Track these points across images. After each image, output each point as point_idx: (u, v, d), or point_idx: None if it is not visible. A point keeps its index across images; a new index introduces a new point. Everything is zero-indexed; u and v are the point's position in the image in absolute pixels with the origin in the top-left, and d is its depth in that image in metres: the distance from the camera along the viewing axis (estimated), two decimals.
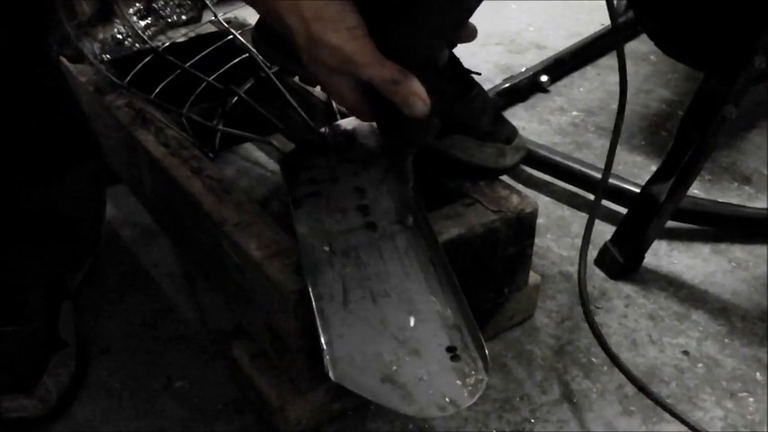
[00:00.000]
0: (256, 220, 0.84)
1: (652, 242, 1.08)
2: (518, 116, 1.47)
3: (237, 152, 1.30)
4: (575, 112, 1.49)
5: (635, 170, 1.31)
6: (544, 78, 1.54)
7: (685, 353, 0.97)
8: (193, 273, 1.07)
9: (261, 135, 1.05)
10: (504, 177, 0.95)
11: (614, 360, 0.89)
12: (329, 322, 0.73)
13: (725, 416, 0.88)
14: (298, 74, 0.94)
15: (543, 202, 1.23)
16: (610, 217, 1.18)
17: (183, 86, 1.08)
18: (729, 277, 1.09)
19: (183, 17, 1.25)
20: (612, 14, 0.88)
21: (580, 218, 1.20)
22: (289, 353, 0.80)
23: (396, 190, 0.85)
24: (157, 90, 1.06)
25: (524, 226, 0.90)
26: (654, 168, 1.07)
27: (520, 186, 1.24)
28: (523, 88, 1.52)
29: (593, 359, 0.95)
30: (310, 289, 0.74)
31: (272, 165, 1.27)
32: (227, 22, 1.21)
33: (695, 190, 1.24)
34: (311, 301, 0.73)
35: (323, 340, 0.71)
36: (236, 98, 1.11)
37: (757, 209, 1.17)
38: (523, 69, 1.56)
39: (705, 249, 1.14)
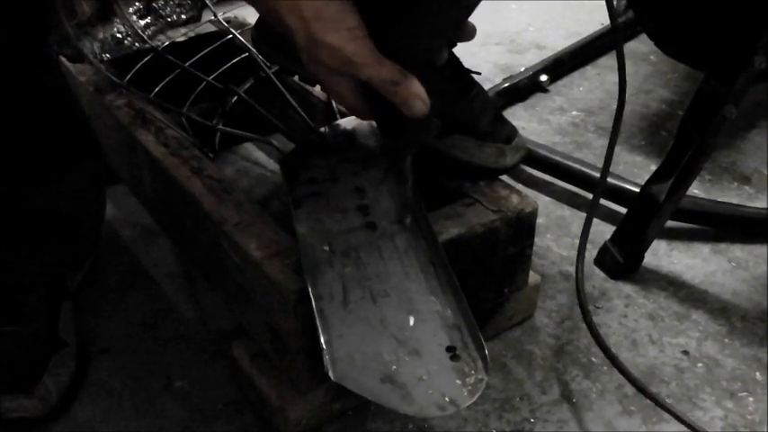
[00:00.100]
0: (256, 220, 0.84)
1: (652, 242, 1.08)
2: (518, 116, 1.47)
3: (237, 152, 1.30)
4: (574, 112, 1.49)
5: (635, 170, 1.31)
6: (544, 78, 1.54)
7: (685, 353, 0.97)
8: (193, 273, 1.07)
9: (261, 135, 1.05)
10: (504, 177, 0.95)
11: (613, 360, 0.89)
12: (329, 322, 0.73)
13: (725, 416, 0.88)
14: (298, 73, 0.94)
15: (543, 201, 1.23)
16: (609, 217, 1.18)
17: (182, 86, 1.08)
18: (729, 277, 1.09)
19: (183, 16, 1.25)
20: (612, 14, 0.88)
21: (580, 218, 1.20)
22: (289, 353, 0.80)
23: (396, 190, 0.85)
24: (157, 90, 1.06)
25: (524, 226, 0.90)
26: (654, 168, 1.07)
27: (520, 186, 1.24)
28: (523, 88, 1.52)
29: (593, 359, 0.95)
30: (310, 289, 0.74)
31: (272, 165, 1.27)
32: (227, 22, 1.21)
33: (695, 190, 1.24)
34: (311, 301, 0.73)
35: (323, 340, 0.71)
36: (235, 98, 1.11)
37: (757, 209, 1.17)
38: (523, 69, 1.56)
39: (705, 249, 1.14)
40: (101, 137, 1.05)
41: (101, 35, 1.15)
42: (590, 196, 1.21)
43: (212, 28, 1.23)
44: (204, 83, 1.10)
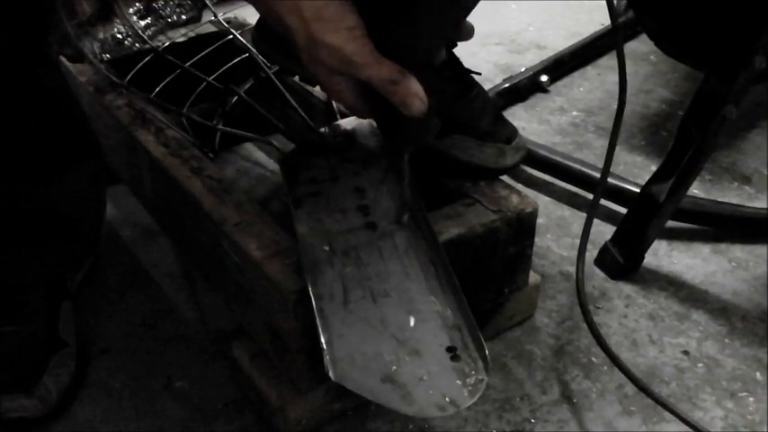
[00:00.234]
0: (256, 220, 0.84)
1: (652, 242, 1.08)
2: (518, 116, 1.47)
3: (237, 152, 1.30)
4: (575, 112, 1.49)
5: (635, 170, 1.31)
6: (544, 78, 1.54)
7: (685, 353, 0.97)
8: (193, 273, 1.07)
9: (261, 135, 1.05)
10: (504, 177, 0.95)
11: (614, 360, 0.89)
12: (329, 322, 0.73)
13: (725, 416, 0.88)
14: (298, 74, 0.94)
15: (543, 201, 1.23)
16: (610, 217, 1.18)
17: (182, 86, 1.08)
18: (729, 277, 1.09)
19: (183, 17, 1.25)
20: (612, 14, 0.88)
21: (580, 218, 1.20)
22: (289, 353, 0.80)
23: (396, 190, 0.85)
24: (157, 90, 1.06)
25: (524, 226, 0.90)
26: (654, 168, 1.07)
27: (520, 186, 1.24)
28: (523, 88, 1.52)
29: (594, 359, 0.95)
30: (310, 289, 0.74)
31: (272, 165, 1.27)
32: (227, 22, 1.21)
33: (695, 190, 1.24)
34: (311, 301, 0.73)
35: (323, 340, 0.71)
36: (236, 98, 1.11)
37: (757, 209, 1.17)
38: (523, 69, 1.56)
39: (705, 249, 1.14)
40: (101, 137, 1.05)
41: (101, 35, 1.15)
42: (590, 196, 1.21)
43: (212, 28, 1.23)
44: (204, 83, 1.10)
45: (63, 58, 1.14)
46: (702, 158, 1.01)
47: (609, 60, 1.65)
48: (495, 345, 0.97)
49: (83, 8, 1.14)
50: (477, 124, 0.90)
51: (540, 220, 1.09)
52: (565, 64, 1.61)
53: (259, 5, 0.73)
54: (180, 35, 1.20)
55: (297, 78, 1.08)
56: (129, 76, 1.08)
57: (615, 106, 0.94)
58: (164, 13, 1.23)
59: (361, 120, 0.94)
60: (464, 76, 0.91)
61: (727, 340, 0.98)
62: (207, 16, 1.26)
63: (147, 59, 1.12)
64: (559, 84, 1.58)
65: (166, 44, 1.16)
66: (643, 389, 0.86)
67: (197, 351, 0.96)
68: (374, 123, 0.89)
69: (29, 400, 0.84)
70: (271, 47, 0.91)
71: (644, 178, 1.08)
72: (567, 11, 1.90)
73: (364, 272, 0.77)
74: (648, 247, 1.08)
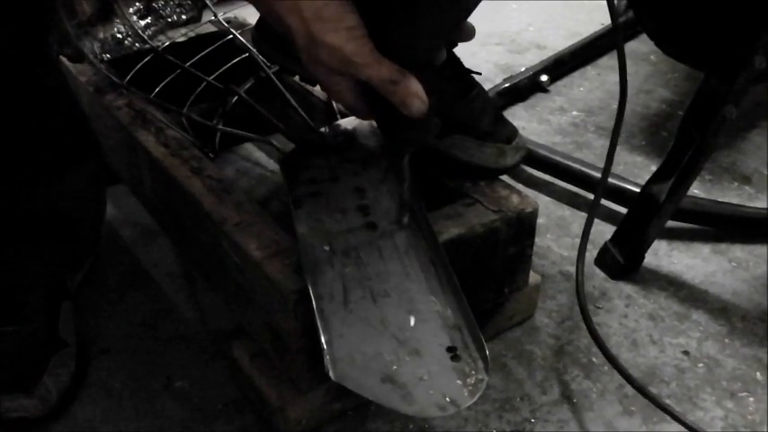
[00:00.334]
0: (256, 220, 0.84)
1: (652, 242, 1.08)
2: (518, 116, 1.47)
3: (238, 152, 1.30)
4: (575, 112, 1.49)
5: (635, 170, 1.31)
6: (544, 78, 1.54)
7: (686, 353, 0.97)
8: (193, 273, 1.07)
9: (261, 135, 1.05)
10: (505, 177, 0.95)
11: (612, 361, 0.89)
12: (329, 322, 0.73)
13: (725, 416, 0.88)
14: (298, 73, 0.94)
15: (543, 201, 1.23)
16: (610, 217, 1.18)
17: (183, 86, 1.08)
18: (730, 277, 1.09)
19: (183, 17, 1.25)
20: (613, 14, 0.88)
21: (580, 218, 1.20)
22: (289, 353, 0.80)
23: (396, 190, 0.85)
24: (157, 90, 1.06)
25: (524, 226, 0.90)
26: (654, 168, 1.07)
27: (520, 186, 1.24)
28: (523, 88, 1.52)
29: (594, 359, 0.95)
30: (310, 289, 0.74)
31: (273, 165, 1.27)
32: (227, 22, 1.21)
33: (695, 190, 1.24)
34: (311, 301, 0.73)
35: (323, 340, 0.71)
36: (236, 98, 1.11)
37: (757, 209, 1.17)
38: (523, 69, 1.56)
39: (705, 249, 1.14)
40: (101, 137, 1.05)
41: (101, 35, 1.15)
42: (590, 196, 1.21)
43: (212, 28, 1.23)
44: (204, 83, 1.10)
45: (63, 58, 1.14)
46: (702, 158, 1.01)
47: (609, 60, 1.65)
48: (496, 345, 0.97)
49: (83, 8, 1.14)
50: (478, 124, 0.90)
51: (540, 220, 1.09)
52: (565, 64, 1.61)
53: (259, 5, 0.72)
54: (180, 35, 1.20)
55: (297, 78, 1.08)
56: (129, 76, 1.08)
57: (615, 106, 0.94)
58: (164, 13, 1.23)
59: (361, 120, 0.94)
60: (464, 76, 0.91)
61: (727, 340, 0.98)
62: (207, 16, 1.26)
63: (147, 59, 1.12)
64: (559, 84, 1.58)
65: (166, 44, 1.16)
66: (641, 390, 0.86)
67: (197, 351, 0.96)
68: (374, 123, 0.89)
69: (29, 400, 0.84)
70: (271, 47, 0.91)
71: (644, 178, 1.08)
72: (567, 11, 1.90)
73: (364, 272, 0.77)
74: (648, 247, 1.08)
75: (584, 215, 1.19)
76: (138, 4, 1.20)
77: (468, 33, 0.85)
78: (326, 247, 0.79)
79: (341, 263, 0.78)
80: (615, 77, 0.92)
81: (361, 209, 0.84)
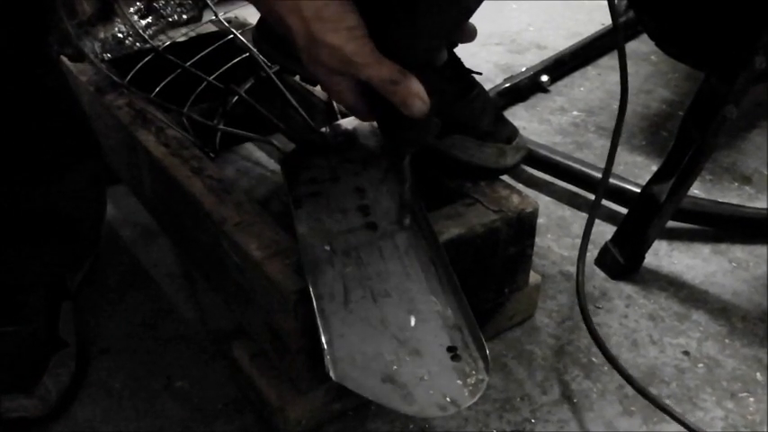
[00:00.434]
0: (256, 220, 0.84)
1: (652, 242, 1.08)
2: (518, 116, 1.47)
3: (238, 152, 1.30)
4: (575, 112, 1.49)
5: (635, 170, 1.31)
6: (544, 78, 1.54)
7: (686, 353, 0.97)
8: (193, 273, 1.07)
9: (261, 135, 1.05)
10: (505, 177, 0.95)
11: (612, 361, 0.89)
12: (330, 322, 0.73)
13: (725, 416, 0.88)
14: (298, 73, 0.94)
15: (544, 201, 1.23)
16: (610, 217, 1.18)
17: (183, 86, 1.08)
18: (730, 277, 1.08)
19: (184, 16, 1.25)
20: (613, 14, 0.88)
21: (581, 218, 1.20)
22: (289, 353, 0.80)
23: (396, 190, 0.85)
24: (158, 89, 1.06)
25: (525, 226, 0.90)
26: (654, 168, 1.07)
27: (520, 186, 1.24)
28: (524, 88, 1.52)
29: (594, 359, 0.95)
30: (311, 289, 0.74)
31: (273, 165, 1.27)
32: (228, 22, 1.21)
33: (696, 190, 1.24)
34: (311, 301, 0.73)
35: (323, 340, 0.71)
36: (236, 98, 1.11)
37: (757, 209, 1.17)
38: (524, 69, 1.56)
39: (705, 249, 1.14)
40: (101, 137, 1.05)
41: (101, 35, 1.15)
42: (590, 196, 1.21)
43: (213, 28, 1.23)
44: (205, 83, 1.10)
45: (63, 58, 1.14)
46: (703, 158, 1.01)
47: (609, 60, 1.65)
48: (496, 345, 0.97)
49: (83, 8, 1.14)
50: (478, 124, 0.90)
51: (540, 220, 1.09)
52: (565, 64, 1.61)
53: (260, 5, 0.72)
54: (180, 35, 1.20)
55: (297, 78, 1.08)
56: (129, 76, 1.08)
57: (616, 106, 0.94)
58: (164, 13, 1.23)
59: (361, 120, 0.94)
60: (464, 76, 0.91)
61: (727, 340, 0.98)
62: (207, 16, 1.26)
63: (147, 59, 1.12)
64: (560, 84, 1.58)
65: (167, 44, 1.16)
66: (641, 390, 0.86)
67: (197, 351, 0.96)
68: (374, 123, 0.89)
69: (29, 400, 0.84)
70: (271, 46, 0.91)
71: (644, 178, 1.08)
72: (568, 11, 1.90)
73: (365, 272, 0.77)
74: (649, 248, 1.08)
75: (584, 215, 1.19)
76: (138, 3, 1.20)
77: (469, 34, 0.85)
78: (327, 247, 0.79)
79: (341, 263, 0.78)
80: (616, 77, 0.92)
81: (361, 209, 0.84)
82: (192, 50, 1.14)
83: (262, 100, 1.07)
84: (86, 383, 0.91)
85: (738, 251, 1.13)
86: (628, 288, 1.06)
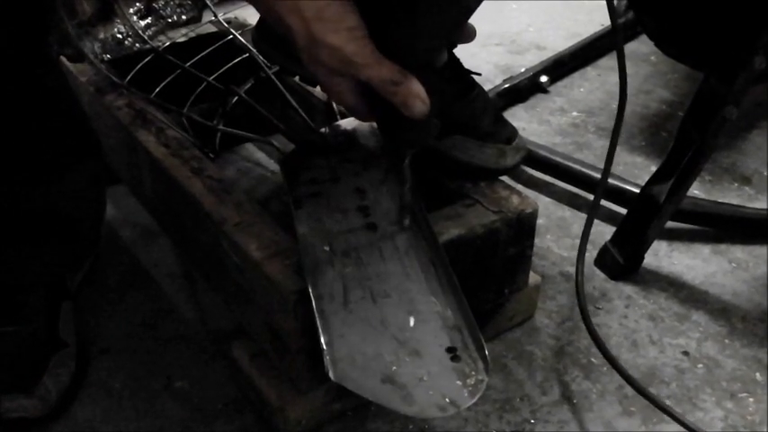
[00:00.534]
0: (256, 221, 0.84)
1: (652, 243, 1.08)
2: (518, 117, 1.47)
3: (238, 152, 1.30)
4: (575, 113, 1.49)
5: (635, 171, 1.31)
6: (544, 79, 1.54)
7: (685, 353, 0.97)
8: (193, 273, 1.07)
9: (261, 135, 1.05)
10: (505, 178, 0.96)
11: (612, 362, 0.89)
12: (329, 322, 0.73)
13: (725, 416, 0.88)
14: (298, 74, 0.94)
15: (543, 202, 1.23)
16: (610, 217, 1.18)
17: (183, 86, 1.08)
18: (730, 278, 1.09)
19: (184, 17, 1.25)
20: (612, 15, 0.88)
21: (580, 218, 1.20)
22: (289, 353, 0.80)
23: (396, 191, 0.85)
24: (158, 90, 1.06)
25: (524, 226, 0.90)
26: (654, 169, 1.07)
27: (520, 187, 1.23)
28: (523, 89, 1.52)
29: (594, 360, 0.95)
30: (310, 289, 0.74)
31: (273, 165, 1.27)
32: (228, 22, 1.21)
33: (695, 190, 1.24)
34: (311, 302, 0.73)
35: (323, 340, 0.71)
36: (236, 98, 1.11)
37: (757, 209, 1.17)
38: (523, 70, 1.56)
39: (705, 250, 1.14)
40: (101, 137, 1.05)
41: (101, 35, 1.15)
42: (590, 197, 1.21)
43: (213, 28, 1.23)
44: (205, 83, 1.10)
45: (63, 58, 1.14)
46: (702, 159, 1.01)
47: (609, 61, 1.65)
48: (496, 345, 0.97)
49: (83, 8, 1.14)
50: (478, 125, 0.90)
51: (540, 221, 1.09)
52: (565, 64, 1.61)
53: (259, 5, 0.72)
54: (180, 35, 1.20)
55: (297, 79, 1.08)
56: (129, 77, 1.08)
57: (615, 107, 0.94)
58: (164, 13, 1.23)
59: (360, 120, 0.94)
60: (464, 77, 0.91)
61: (727, 341, 0.98)
62: (207, 16, 1.26)
63: (147, 59, 1.12)
64: (559, 84, 1.58)
65: (167, 44, 1.16)
66: (641, 390, 0.86)
67: (197, 351, 0.96)
68: (374, 124, 0.89)
69: (29, 400, 0.84)
70: (271, 47, 0.91)
71: (644, 179, 1.08)
72: (567, 11, 1.90)
73: (364, 272, 0.77)
74: (648, 248, 1.08)
75: (584, 216, 1.19)
76: (138, 4, 1.20)
77: (468, 35, 0.85)
78: (327, 248, 0.79)
79: (341, 263, 0.78)
80: (615, 78, 0.92)
81: (361, 209, 0.84)
82: (192, 51, 1.14)
83: (261, 100, 1.07)
84: (86, 383, 0.91)
85: (738, 252, 1.13)
86: (627, 288, 1.06)
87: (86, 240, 1.03)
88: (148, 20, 1.20)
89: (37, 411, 0.85)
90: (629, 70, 0.91)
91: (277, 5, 0.69)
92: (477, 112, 0.91)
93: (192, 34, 1.22)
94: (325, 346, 0.71)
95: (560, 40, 1.74)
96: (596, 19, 1.83)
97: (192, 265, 1.05)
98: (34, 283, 0.93)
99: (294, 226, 0.81)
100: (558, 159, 1.25)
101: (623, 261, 1.07)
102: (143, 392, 0.90)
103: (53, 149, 0.94)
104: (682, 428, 0.84)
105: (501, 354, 0.96)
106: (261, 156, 1.30)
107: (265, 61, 1.12)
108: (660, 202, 1.03)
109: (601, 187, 0.99)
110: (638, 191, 1.10)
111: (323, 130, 0.97)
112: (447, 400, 0.69)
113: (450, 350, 0.73)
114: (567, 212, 1.22)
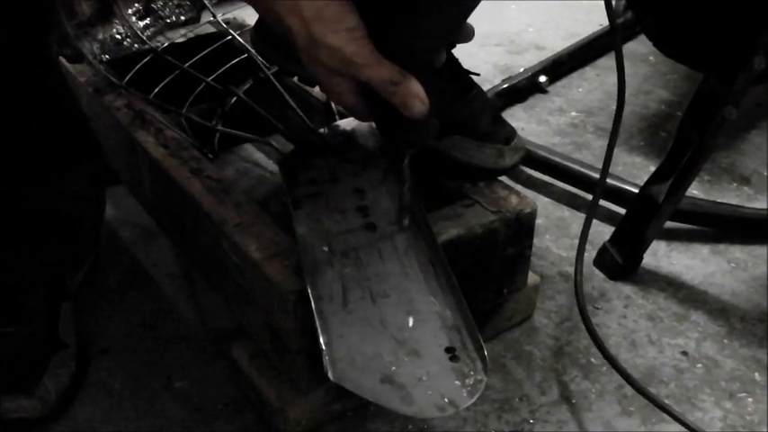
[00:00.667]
0: (256, 221, 0.84)
1: (651, 243, 1.08)
2: (517, 117, 1.47)
3: (237, 153, 1.30)
4: (574, 113, 1.49)
5: (634, 171, 1.31)
6: (543, 79, 1.54)
7: (684, 353, 0.97)
8: (193, 273, 1.07)
9: (260, 136, 1.05)
10: (504, 178, 0.96)
11: (611, 361, 0.89)
12: (329, 323, 0.73)
13: (724, 416, 0.88)
14: (297, 74, 0.94)
15: (542, 202, 1.24)
16: (609, 217, 1.18)
17: (182, 87, 1.08)
18: (729, 278, 1.09)
19: (182, 18, 1.25)
20: (611, 15, 0.89)
21: (579, 218, 1.20)
22: (289, 353, 0.80)
23: (395, 191, 0.85)
24: (156, 90, 1.06)
25: (523, 226, 0.90)
26: (653, 169, 1.07)
27: (519, 187, 1.24)
28: (522, 89, 1.52)
29: (593, 360, 0.95)
30: (310, 289, 0.74)
31: (272, 165, 1.27)
32: (226, 23, 1.21)
33: (694, 190, 1.24)
34: (311, 302, 0.73)
35: (322, 341, 0.71)
36: (235, 99, 1.11)
37: (756, 209, 1.17)
38: (522, 70, 1.56)
39: (704, 250, 1.14)
40: (100, 137, 1.06)
41: (100, 36, 1.15)
42: (589, 197, 1.21)
43: (211, 29, 1.23)
44: (203, 84, 1.10)
45: (62, 59, 1.14)
46: (701, 159, 1.01)
47: (608, 61, 1.65)
48: (495, 345, 0.97)
49: (82, 9, 1.14)
50: (477, 125, 0.91)
51: (539, 221, 1.09)
52: (564, 65, 1.61)
53: (258, 6, 0.73)
54: (179, 36, 1.20)
55: (296, 79, 1.08)
56: (128, 77, 1.08)
57: (614, 107, 0.94)
58: (163, 14, 1.23)
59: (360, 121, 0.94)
60: (463, 77, 0.91)
61: (725, 341, 0.98)
62: (206, 17, 1.26)
63: (146, 60, 1.12)
64: (558, 84, 1.58)
65: (165, 45, 1.16)
66: (640, 390, 0.86)
67: (197, 351, 0.96)
68: (373, 124, 0.89)
69: (29, 400, 0.84)
70: (270, 47, 0.91)
71: (643, 179, 1.08)
72: (566, 11, 1.91)
73: (364, 272, 0.78)
74: (647, 248, 1.08)
75: (582, 216, 1.19)
76: (137, 4, 1.20)
77: (467, 34, 0.86)
78: (326, 248, 0.79)
79: (340, 263, 0.78)
80: (614, 78, 0.92)
81: (360, 210, 0.84)
82: (191, 51, 1.14)
83: (260, 101, 1.07)
84: (86, 383, 0.91)
85: (737, 252, 1.13)
86: (626, 288, 1.07)
87: (86, 240, 1.03)
88: (147, 20, 1.20)
89: (37, 412, 0.85)
90: (627, 70, 0.91)
91: (276, 6, 0.69)
92: (475, 112, 0.91)
93: (191, 35, 1.22)
94: (324, 347, 0.71)
95: (559, 41, 1.74)
96: (595, 19, 1.83)
97: (192, 266, 1.05)
98: (34, 283, 0.93)
99: (293, 226, 0.81)
100: (557, 159, 1.25)
101: (622, 261, 1.07)
102: (143, 392, 0.90)
103: (53, 149, 0.94)
104: (681, 428, 0.84)
105: (500, 354, 0.96)
106: (260, 156, 1.30)
107: (264, 62, 1.12)
108: (659, 202, 1.03)
109: (599, 187, 0.99)
110: (636, 191, 1.10)
111: (322, 130, 0.97)
112: (446, 400, 0.69)
113: (449, 350, 0.73)
114: (565, 212, 1.22)
